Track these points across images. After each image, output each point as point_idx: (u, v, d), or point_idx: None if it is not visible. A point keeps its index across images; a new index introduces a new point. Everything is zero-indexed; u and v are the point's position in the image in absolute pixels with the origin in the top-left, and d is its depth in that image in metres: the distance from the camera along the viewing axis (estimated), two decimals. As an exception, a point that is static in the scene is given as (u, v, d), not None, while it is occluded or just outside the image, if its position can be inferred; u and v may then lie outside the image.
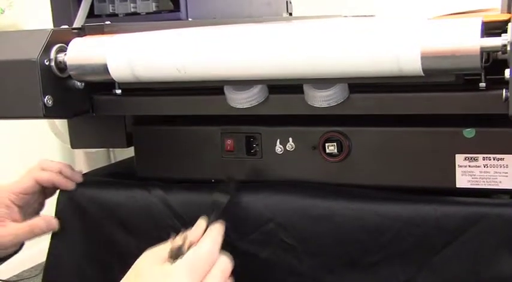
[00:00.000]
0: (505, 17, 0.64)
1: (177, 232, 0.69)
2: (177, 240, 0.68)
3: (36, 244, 0.90)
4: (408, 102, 0.72)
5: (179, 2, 0.98)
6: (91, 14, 0.98)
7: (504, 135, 0.72)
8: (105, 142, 0.96)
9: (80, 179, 0.87)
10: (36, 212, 0.89)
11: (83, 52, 0.77)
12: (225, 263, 0.68)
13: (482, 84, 0.67)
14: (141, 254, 0.74)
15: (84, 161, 1.25)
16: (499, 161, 0.73)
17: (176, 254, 0.66)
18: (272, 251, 0.77)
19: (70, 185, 0.87)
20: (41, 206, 0.90)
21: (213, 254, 0.68)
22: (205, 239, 0.69)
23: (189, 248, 0.67)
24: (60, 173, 0.87)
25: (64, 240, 0.89)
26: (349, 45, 0.66)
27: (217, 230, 0.70)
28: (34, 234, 0.86)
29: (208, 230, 0.70)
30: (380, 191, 0.77)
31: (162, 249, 0.68)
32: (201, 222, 0.72)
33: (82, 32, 0.81)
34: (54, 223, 0.86)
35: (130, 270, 0.67)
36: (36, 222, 0.86)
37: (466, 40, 0.62)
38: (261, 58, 0.69)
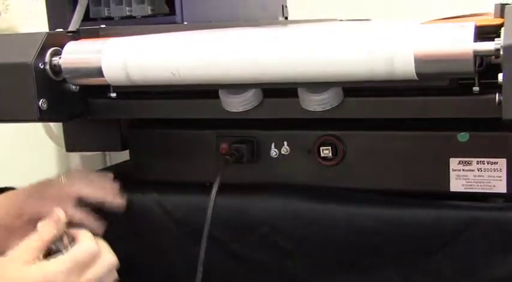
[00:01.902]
0: (498, 21, 0.64)
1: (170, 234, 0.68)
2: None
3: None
4: (402, 106, 0.72)
5: (174, 5, 0.97)
6: (86, 18, 0.98)
7: (498, 139, 0.72)
8: (100, 145, 0.96)
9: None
10: None
11: (77, 55, 0.77)
12: (110, 259, 0.66)
13: (476, 89, 0.67)
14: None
15: (79, 164, 1.25)
16: (493, 165, 0.73)
17: (54, 251, 0.64)
18: (266, 254, 0.78)
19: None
20: None
21: (96, 250, 0.65)
22: (84, 237, 0.66)
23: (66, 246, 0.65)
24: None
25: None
26: (343, 48, 0.66)
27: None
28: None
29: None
30: (374, 194, 0.77)
31: (31, 247, 0.63)
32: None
33: (77, 35, 0.81)
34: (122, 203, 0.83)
35: None
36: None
37: (459, 44, 0.62)
38: (255, 62, 0.69)
